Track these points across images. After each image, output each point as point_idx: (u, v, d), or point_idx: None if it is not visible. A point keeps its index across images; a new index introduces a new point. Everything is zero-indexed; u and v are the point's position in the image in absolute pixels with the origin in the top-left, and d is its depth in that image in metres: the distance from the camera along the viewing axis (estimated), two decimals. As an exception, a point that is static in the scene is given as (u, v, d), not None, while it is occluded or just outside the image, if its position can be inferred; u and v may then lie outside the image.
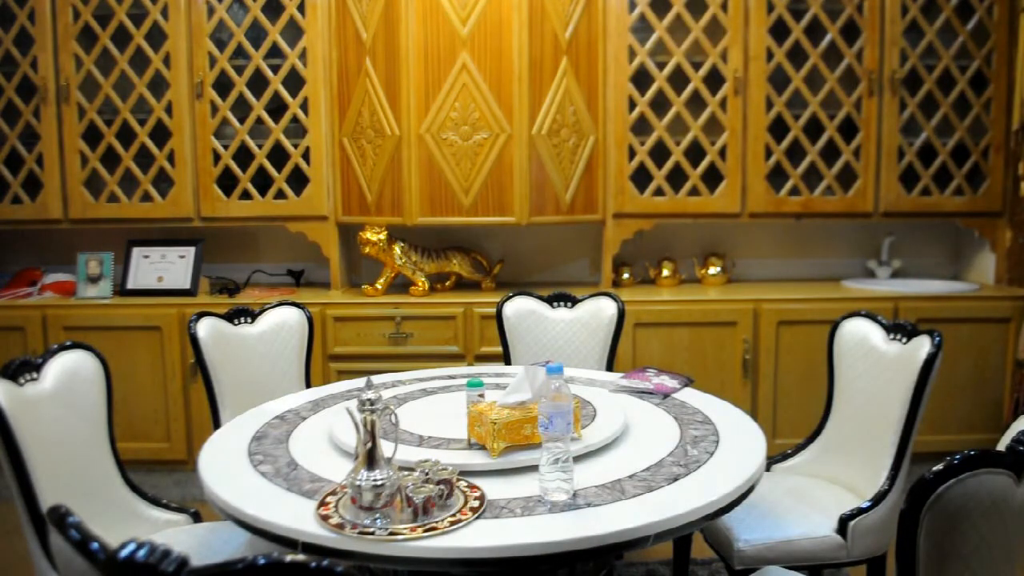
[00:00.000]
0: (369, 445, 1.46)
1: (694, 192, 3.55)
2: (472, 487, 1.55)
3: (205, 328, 2.48)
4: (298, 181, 3.56)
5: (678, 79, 3.51)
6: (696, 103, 3.52)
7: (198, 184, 3.55)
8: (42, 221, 3.62)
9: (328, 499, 1.52)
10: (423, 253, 3.56)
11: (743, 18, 3.45)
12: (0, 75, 3.55)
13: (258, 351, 2.62)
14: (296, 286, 3.81)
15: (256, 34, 3.50)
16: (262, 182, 3.57)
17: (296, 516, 1.47)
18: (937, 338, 2.03)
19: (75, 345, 2.01)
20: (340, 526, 1.41)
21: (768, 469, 2.35)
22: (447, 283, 3.68)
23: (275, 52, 3.49)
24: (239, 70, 3.50)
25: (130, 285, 3.62)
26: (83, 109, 3.54)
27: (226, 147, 3.54)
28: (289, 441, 1.90)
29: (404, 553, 1.36)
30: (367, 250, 3.46)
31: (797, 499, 2.17)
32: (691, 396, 2.22)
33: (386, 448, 1.50)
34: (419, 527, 1.40)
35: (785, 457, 2.42)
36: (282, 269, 3.89)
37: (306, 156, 3.53)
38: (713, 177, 3.56)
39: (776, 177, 3.57)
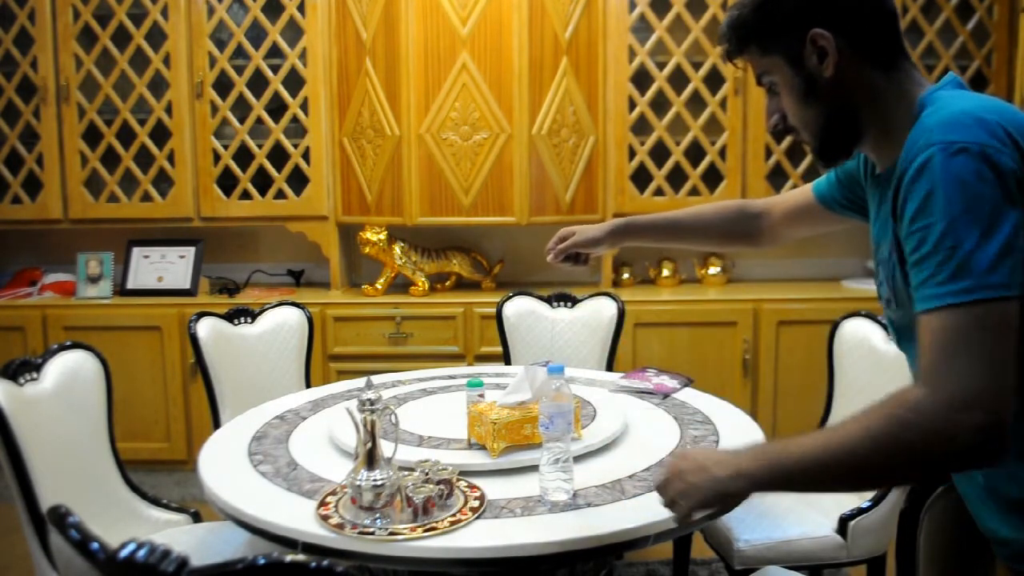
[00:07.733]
0: (369, 445, 1.45)
1: (694, 192, 3.55)
2: (472, 487, 1.55)
3: (205, 328, 2.48)
4: (298, 181, 3.56)
5: (678, 79, 3.51)
6: (696, 103, 3.52)
7: (198, 184, 3.55)
8: (42, 221, 3.62)
9: (328, 499, 1.52)
10: (423, 253, 3.56)
11: (743, 18, 3.44)
12: (0, 75, 3.55)
13: (258, 351, 2.62)
14: (296, 286, 3.81)
15: (256, 34, 3.49)
16: (262, 182, 3.57)
17: (296, 516, 1.47)
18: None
19: (75, 345, 2.00)
20: (340, 526, 1.41)
21: (768, 469, 2.35)
22: (447, 283, 3.68)
23: (275, 52, 3.49)
24: (239, 70, 3.50)
25: (130, 285, 3.62)
26: (83, 109, 3.54)
27: (226, 147, 3.54)
28: (289, 441, 1.90)
29: (404, 553, 1.36)
30: (367, 250, 3.46)
31: (797, 499, 2.17)
32: (691, 396, 2.21)
33: (386, 448, 1.49)
34: (419, 527, 1.40)
35: (785, 457, 2.42)
36: (282, 269, 3.89)
37: (306, 156, 3.53)
38: (713, 177, 3.55)
39: (776, 177, 3.57)
